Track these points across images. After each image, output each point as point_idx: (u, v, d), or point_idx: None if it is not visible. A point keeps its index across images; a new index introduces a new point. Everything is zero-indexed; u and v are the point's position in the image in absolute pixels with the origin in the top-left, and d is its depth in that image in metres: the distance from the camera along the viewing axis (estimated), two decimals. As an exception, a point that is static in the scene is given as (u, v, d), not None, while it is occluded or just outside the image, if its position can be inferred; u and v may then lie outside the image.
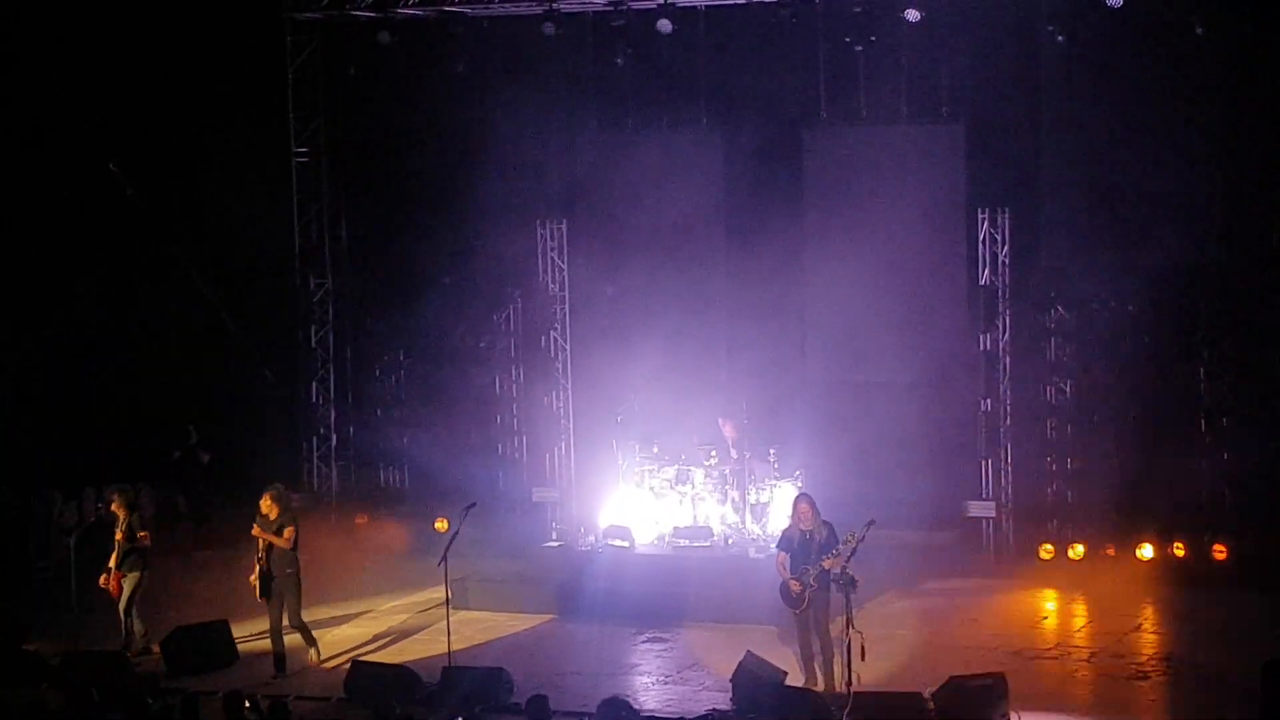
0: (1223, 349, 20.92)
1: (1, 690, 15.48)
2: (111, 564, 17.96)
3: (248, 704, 13.00)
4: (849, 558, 15.63)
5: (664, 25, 21.70)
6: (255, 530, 17.27)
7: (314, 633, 17.88)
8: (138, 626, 18.00)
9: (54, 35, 22.68)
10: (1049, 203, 21.64)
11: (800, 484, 20.42)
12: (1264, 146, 20.44)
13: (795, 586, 16.00)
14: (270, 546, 17.21)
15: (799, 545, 16.17)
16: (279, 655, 17.36)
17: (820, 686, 15.90)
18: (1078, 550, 20.71)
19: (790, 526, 16.53)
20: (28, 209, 22.80)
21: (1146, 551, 20.56)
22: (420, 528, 22.65)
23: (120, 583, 17.89)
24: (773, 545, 19.67)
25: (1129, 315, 21.24)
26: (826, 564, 15.83)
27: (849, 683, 15.13)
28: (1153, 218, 20.60)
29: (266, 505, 17.39)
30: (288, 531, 17.24)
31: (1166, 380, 21.06)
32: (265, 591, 17.28)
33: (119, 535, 17.89)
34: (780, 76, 22.08)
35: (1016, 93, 21.43)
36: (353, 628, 19.17)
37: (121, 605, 17.95)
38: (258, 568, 17.27)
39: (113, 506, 18.15)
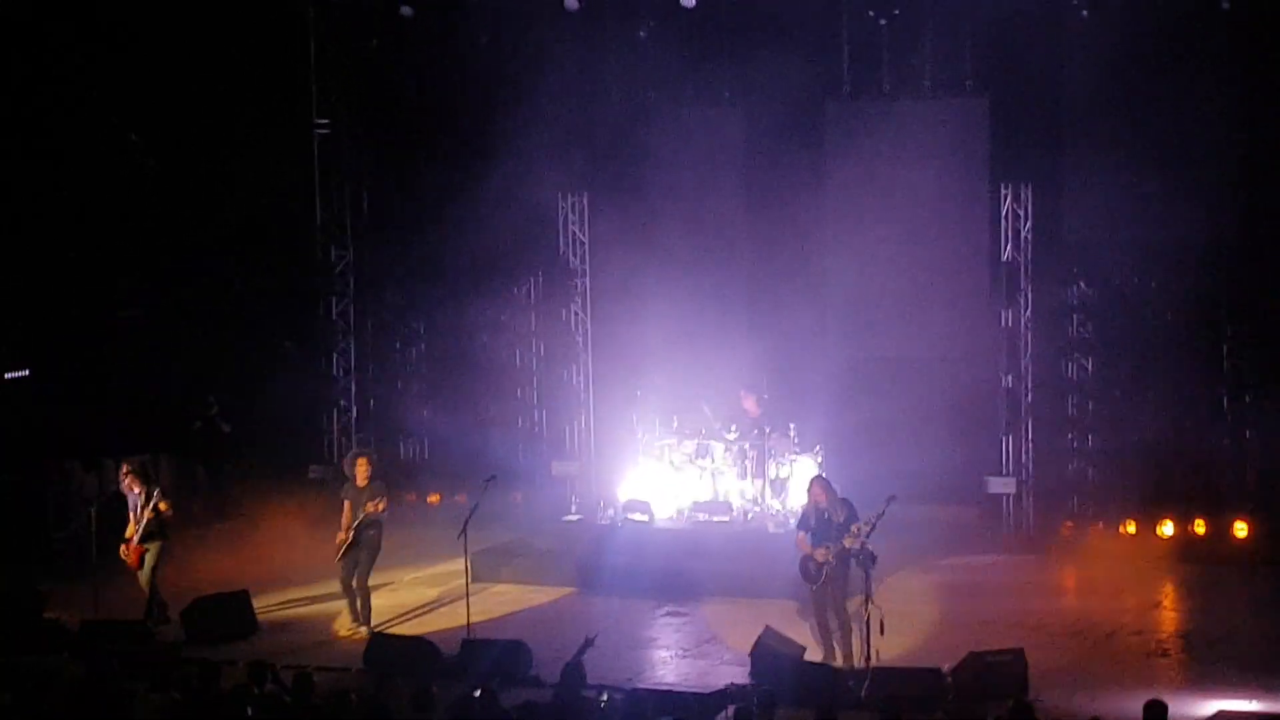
0: (1245, 325, 20.85)
1: (21, 659, 15.51)
2: (128, 534, 17.99)
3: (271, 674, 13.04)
4: (868, 534, 15.61)
5: (687, 1, 21.59)
6: (347, 507, 17.57)
7: (338, 603, 17.98)
8: (158, 596, 18.04)
9: (76, 7, 22.64)
10: (1072, 178, 21.53)
11: (820, 459, 20.42)
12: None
13: (819, 555, 15.96)
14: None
15: (817, 524, 16.17)
16: (354, 608, 17.66)
17: (838, 662, 15.90)
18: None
19: (807, 506, 16.55)
20: (48, 179, 22.79)
21: (1167, 529, 20.52)
22: (442, 499, 22.73)
23: (141, 554, 17.91)
24: (792, 520, 19.70)
25: (1152, 291, 21.17)
26: (847, 542, 15.81)
27: (867, 658, 15.15)
28: (1176, 193, 20.47)
29: (361, 470, 17.63)
30: (383, 503, 17.52)
31: (1189, 357, 20.96)
32: (345, 553, 17.59)
33: (146, 511, 17.86)
34: (803, 50, 21.95)
35: (1040, 67, 21.31)
36: (373, 599, 19.17)
37: (144, 575, 17.99)
38: (350, 533, 17.50)
39: (125, 480, 18.15)
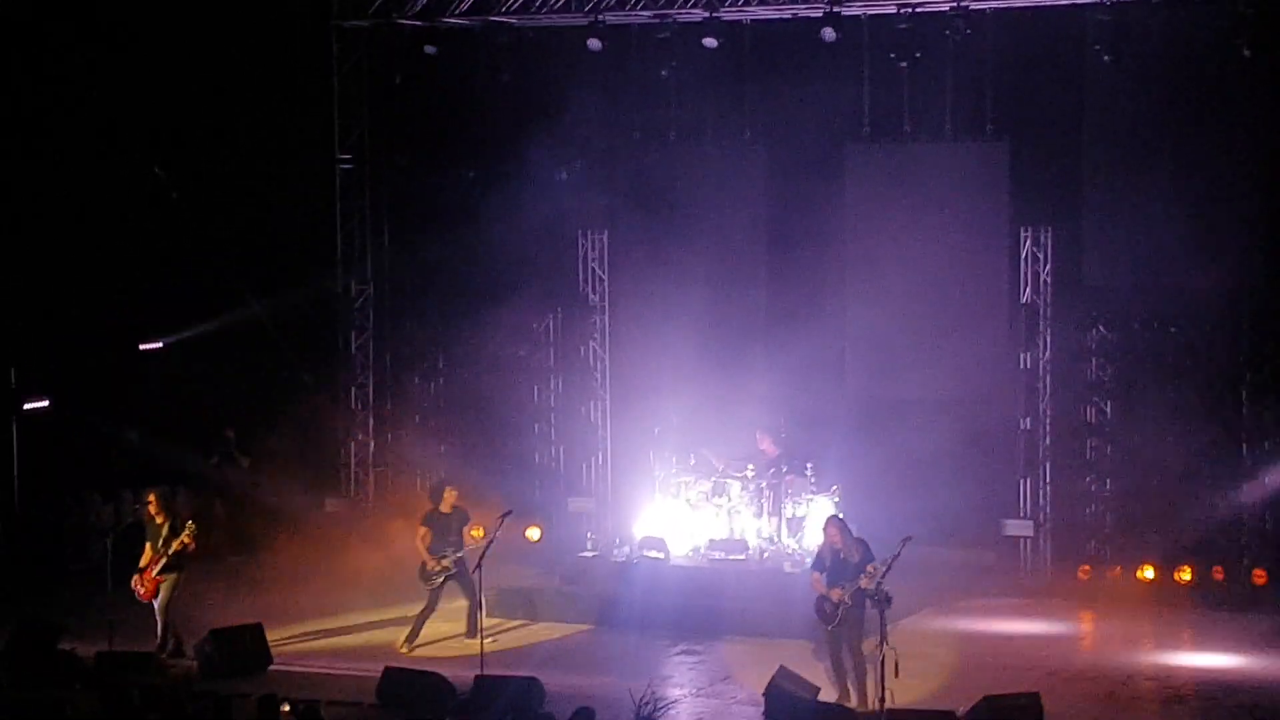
0: (1265, 372, 20.77)
1: (36, 691, 15.53)
2: (143, 564, 18.00)
3: (285, 708, 13.04)
4: (884, 575, 15.57)
5: (709, 42, 21.66)
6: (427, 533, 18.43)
7: (352, 637, 18.03)
8: (174, 628, 18.04)
9: (102, 37, 22.81)
10: (1092, 222, 21.51)
11: (837, 498, 20.39)
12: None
13: (835, 596, 15.93)
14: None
15: (833, 564, 16.18)
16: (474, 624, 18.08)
17: (853, 703, 15.86)
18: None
19: (823, 547, 16.55)
20: (71, 209, 22.92)
21: (1185, 575, 20.43)
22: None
23: (157, 585, 17.93)
24: (808, 560, 19.67)
25: (1171, 336, 21.13)
26: (862, 583, 15.79)
27: (882, 700, 15.07)
28: (1197, 239, 20.45)
29: (449, 498, 18.62)
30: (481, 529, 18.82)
31: (1208, 402, 20.91)
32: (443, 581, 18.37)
33: (170, 540, 17.86)
34: (824, 92, 21.99)
35: (1061, 111, 21.33)
36: (387, 633, 19.19)
37: (160, 607, 18.00)
38: (450, 563, 18.28)
39: (149, 509, 18.18)
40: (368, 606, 20.23)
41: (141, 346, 23.96)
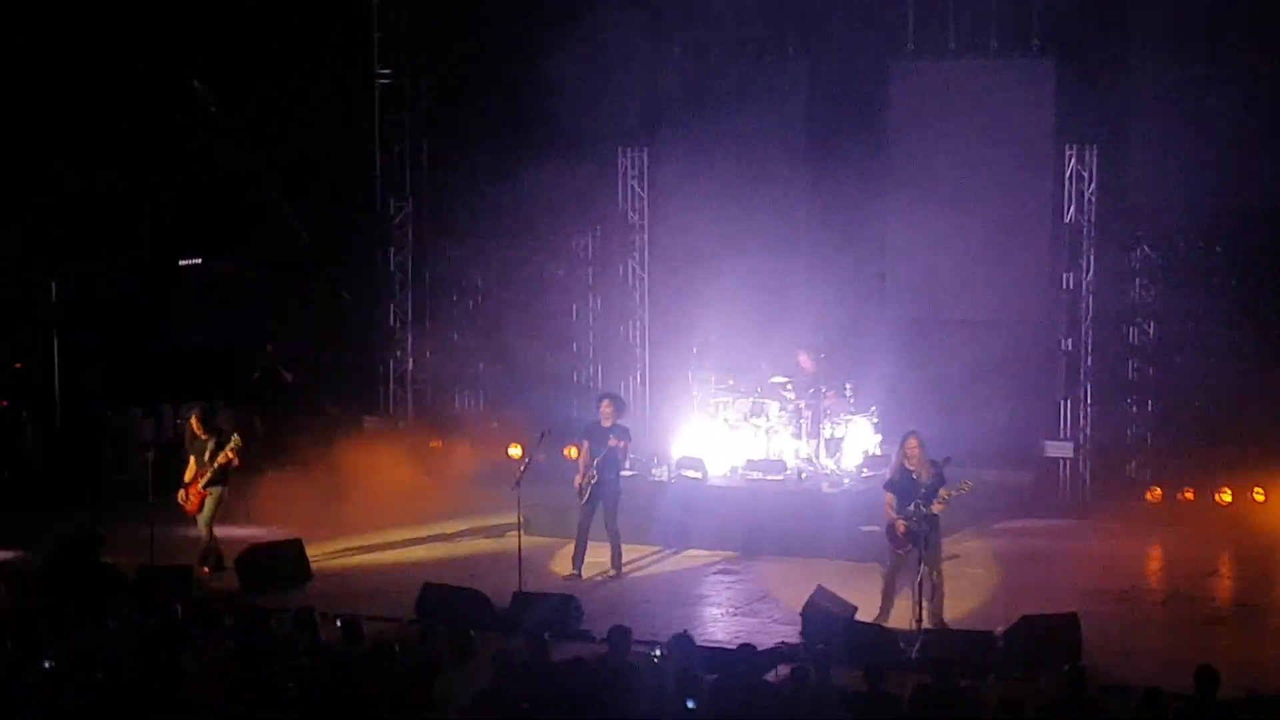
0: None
1: (79, 602, 15.64)
2: (187, 478, 18.10)
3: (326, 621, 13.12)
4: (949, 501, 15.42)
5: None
6: (586, 447, 17.92)
7: (392, 553, 17.94)
8: (215, 543, 18.16)
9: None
10: (1138, 141, 21.28)
11: (876, 419, 20.33)
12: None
13: (901, 527, 15.63)
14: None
15: (901, 484, 15.69)
16: (581, 554, 17.85)
17: (923, 623, 15.51)
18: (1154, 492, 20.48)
19: (895, 463, 15.94)
20: (114, 126, 22.91)
21: (1225, 496, 20.33)
22: (494, 454, 22.73)
23: (202, 499, 18.04)
24: (845, 480, 19.65)
25: (1217, 256, 20.92)
26: (936, 507, 15.52)
27: (920, 619, 15.05)
28: (1242, 158, 20.22)
29: (607, 410, 17.95)
30: (625, 444, 17.93)
31: (1252, 323, 20.73)
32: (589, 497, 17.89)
33: (216, 454, 17.96)
34: (868, 5, 21.78)
35: (1108, 27, 21.07)
36: (425, 550, 19.27)
37: (203, 521, 18.11)
38: (587, 476, 17.80)
39: (194, 424, 18.25)
40: (406, 523, 20.29)
41: (181, 262, 23.97)
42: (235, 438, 18.02)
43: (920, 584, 15.14)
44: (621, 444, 17.81)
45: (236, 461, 18.10)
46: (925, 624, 15.06)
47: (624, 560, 18.16)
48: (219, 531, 18.25)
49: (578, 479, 17.92)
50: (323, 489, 21.21)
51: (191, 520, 18.19)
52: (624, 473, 20.23)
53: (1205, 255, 21.01)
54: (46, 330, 22.69)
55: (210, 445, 18.04)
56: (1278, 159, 20.24)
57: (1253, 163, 20.11)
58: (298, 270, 24.11)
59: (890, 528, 15.79)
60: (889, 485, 15.92)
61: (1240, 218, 20.52)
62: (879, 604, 15.87)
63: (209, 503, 18.06)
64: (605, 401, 18.11)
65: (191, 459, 18.19)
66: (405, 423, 24.42)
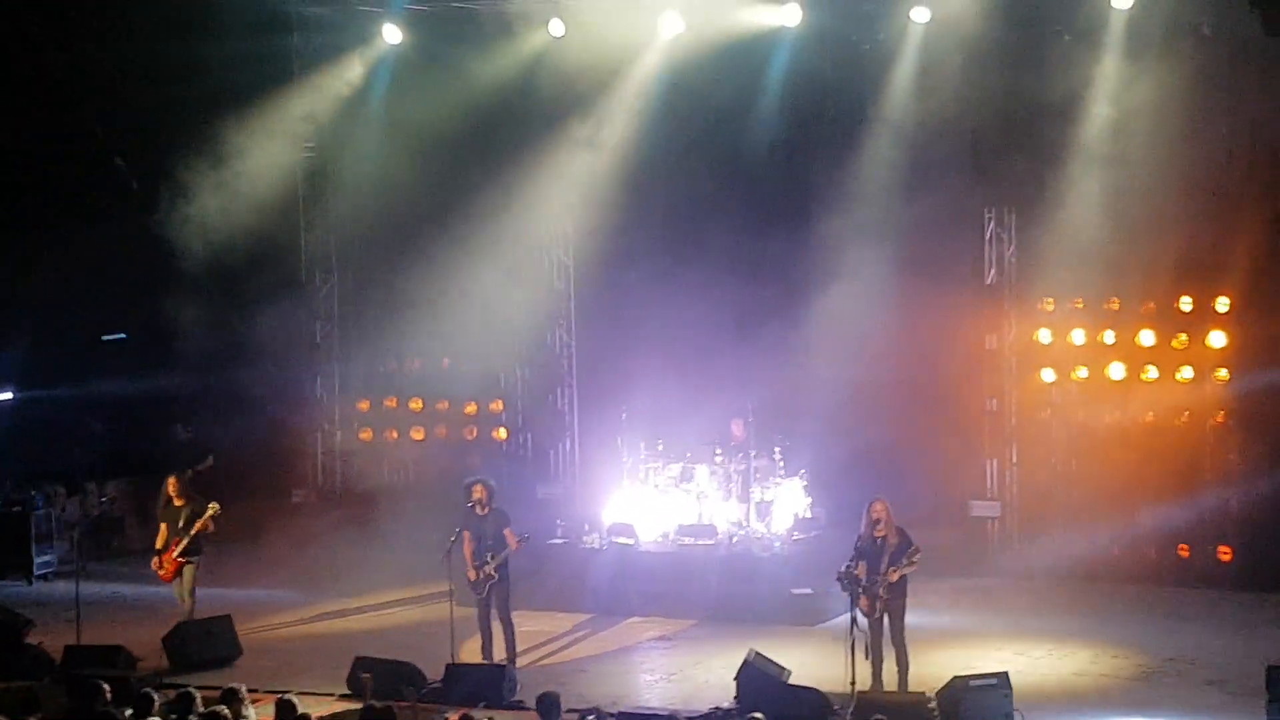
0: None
1: (3, 684, 15.44)
2: (159, 544, 18.03)
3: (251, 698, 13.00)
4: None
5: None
6: (467, 539, 17.11)
7: (322, 625, 17.89)
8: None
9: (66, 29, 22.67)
10: (1055, 202, 21.51)
11: (805, 482, 20.43)
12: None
13: (863, 606, 15.53)
14: None
15: (869, 549, 15.65)
16: (488, 644, 17.17)
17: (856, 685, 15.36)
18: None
19: (865, 530, 15.82)
20: (34, 198, 22.80)
21: (1151, 552, 20.53)
22: (426, 522, 22.63)
23: (178, 566, 17.97)
24: (776, 544, 19.72)
25: (1135, 314, 21.18)
26: (907, 569, 15.64)
27: (853, 682, 15.09)
28: (1159, 217, 20.51)
29: (479, 494, 17.21)
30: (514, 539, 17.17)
31: (1173, 379, 21.00)
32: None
33: (193, 521, 17.86)
34: (791, 73, 22.04)
35: (1025, 93, 21.28)
36: (357, 621, 19.16)
37: (185, 590, 18.01)
38: (483, 573, 17.10)
39: (170, 491, 18.13)
40: (337, 595, 20.16)
41: (104, 337, 23.82)
42: (214, 505, 17.99)
43: (851, 645, 15.16)
44: (521, 540, 17.11)
45: (212, 529, 18.04)
46: (859, 687, 15.10)
47: (557, 628, 18.07)
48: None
49: (470, 574, 17.11)
50: (252, 564, 21.08)
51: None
52: (553, 541, 20.29)
53: (1122, 313, 21.24)
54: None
55: (186, 512, 17.97)
56: (1184, 217, 20.49)
57: (1165, 221, 20.39)
58: (225, 345, 23.86)
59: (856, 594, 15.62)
60: (859, 552, 15.80)
61: (1153, 274, 20.75)
62: (868, 673, 15.57)
63: (189, 572, 18.01)
64: (477, 487, 17.21)
65: (163, 526, 18.13)
66: (334, 494, 24.29)
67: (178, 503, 18.05)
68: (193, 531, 17.89)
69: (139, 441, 23.59)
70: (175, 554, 17.94)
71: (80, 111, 23.01)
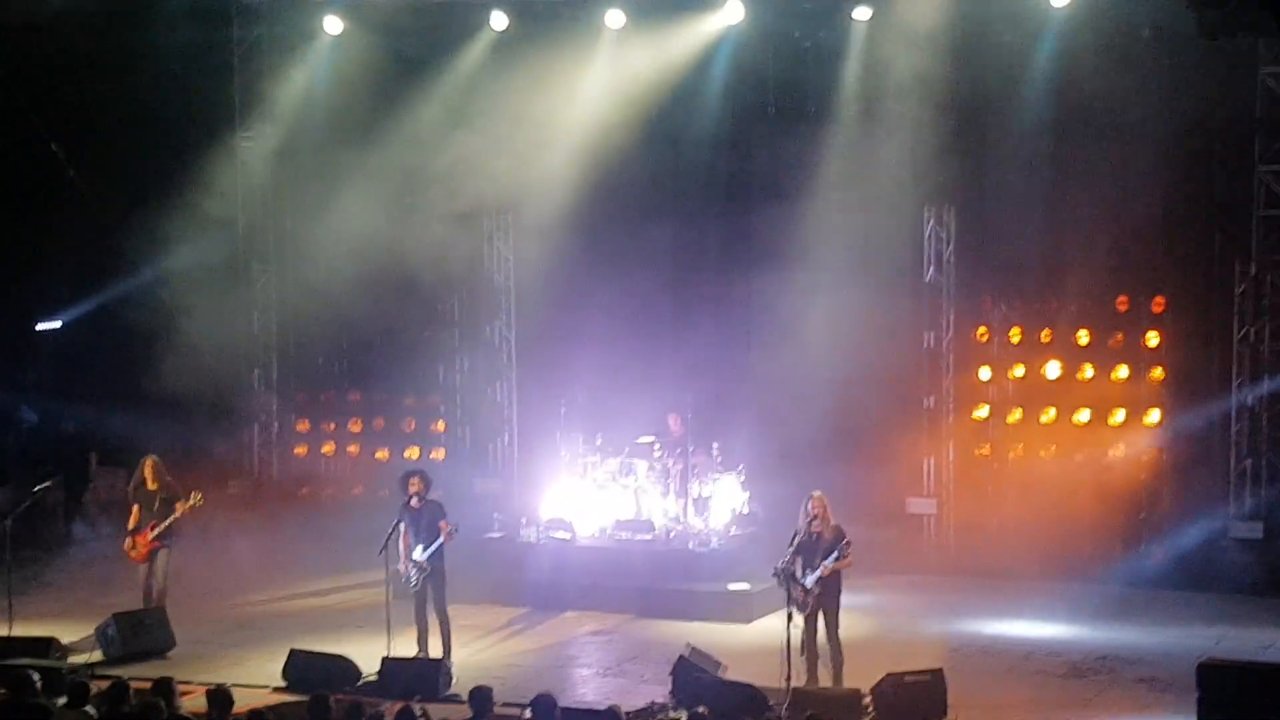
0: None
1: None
2: (131, 525, 17.95)
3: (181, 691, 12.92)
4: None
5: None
6: (405, 531, 16.92)
7: (259, 617, 17.82)
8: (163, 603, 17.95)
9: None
10: (994, 199, 21.65)
11: (743, 477, 20.46)
12: (1216, 146, 20.56)
13: (800, 594, 15.61)
14: None
15: (804, 543, 15.68)
16: (424, 637, 17.07)
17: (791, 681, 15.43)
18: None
19: (801, 524, 15.82)
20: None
21: (1084, 549, 20.69)
22: (363, 514, 22.54)
23: (152, 549, 17.88)
24: (714, 540, 19.75)
25: (1070, 314, 21.35)
26: (840, 565, 15.66)
27: (787, 678, 15.12)
28: (1096, 217, 20.70)
29: (415, 487, 16.99)
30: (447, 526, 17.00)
31: (1110, 379, 21.19)
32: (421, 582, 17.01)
33: (172, 504, 17.82)
34: (733, 68, 22.08)
35: (963, 91, 21.40)
36: (293, 613, 19.07)
37: (159, 574, 17.96)
38: (418, 566, 16.88)
39: (145, 473, 18.02)
40: (277, 583, 20.05)
41: (39, 326, 23.60)
42: (197, 495, 17.91)
43: (787, 641, 15.18)
44: (452, 529, 16.88)
45: (190, 517, 18.01)
46: (794, 683, 15.13)
47: (494, 622, 18.04)
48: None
49: (402, 566, 16.91)
50: (187, 555, 20.92)
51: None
52: (491, 535, 20.27)
53: (1060, 311, 21.42)
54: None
55: (160, 497, 17.89)
56: (1124, 218, 20.68)
57: (1100, 222, 20.60)
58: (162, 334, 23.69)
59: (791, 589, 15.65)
60: (795, 547, 15.78)
61: (1089, 274, 20.95)
62: (803, 668, 15.57)
63: (163, 556, 17.93)
64: (414, 479, 16.99)
65: (136, 507, 18.04)
66: (273, 487, 24.16)
67: (152, 485, 17.96)
68: (172, 519, 17.82)
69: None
70: (151, 536, 17.86)
71: (17, 100, 22.82)
